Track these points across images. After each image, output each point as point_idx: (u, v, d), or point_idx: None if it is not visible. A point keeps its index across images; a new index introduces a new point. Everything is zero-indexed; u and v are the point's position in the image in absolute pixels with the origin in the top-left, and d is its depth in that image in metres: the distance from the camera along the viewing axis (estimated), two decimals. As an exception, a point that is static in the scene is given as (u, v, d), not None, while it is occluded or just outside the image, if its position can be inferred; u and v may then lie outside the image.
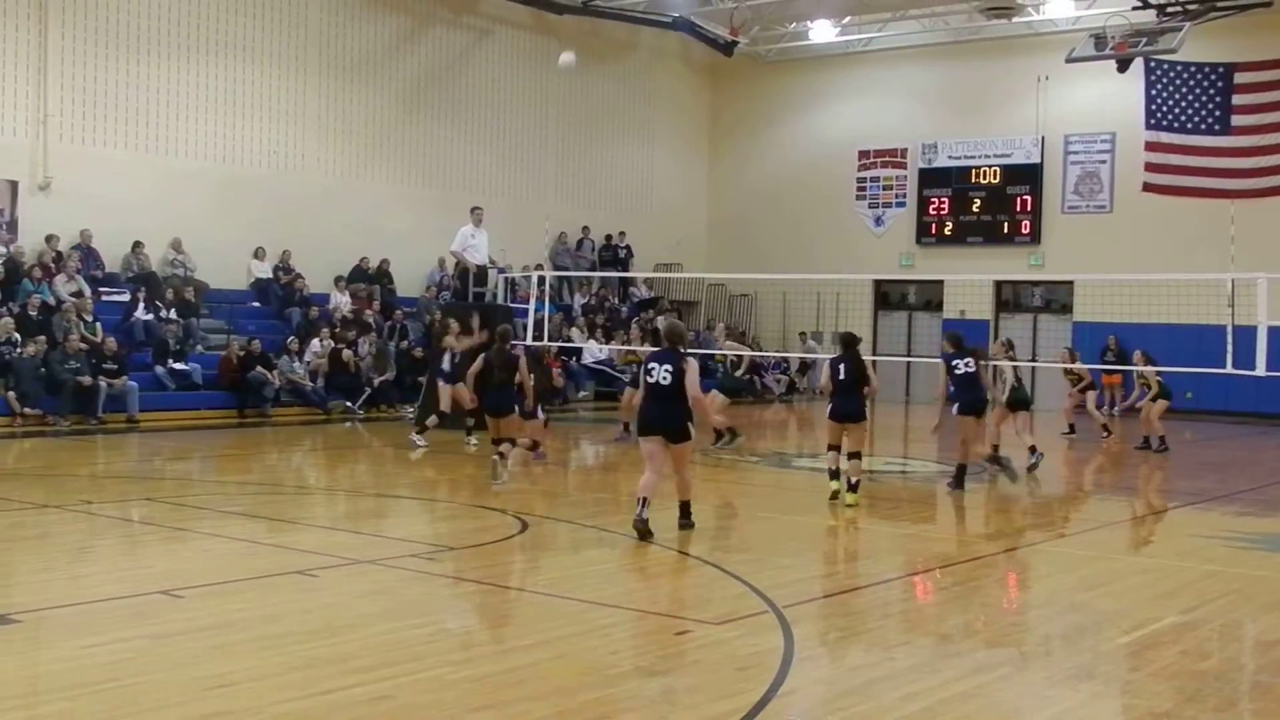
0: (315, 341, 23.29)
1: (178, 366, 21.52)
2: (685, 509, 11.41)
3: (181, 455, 17.42)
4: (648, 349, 17.89)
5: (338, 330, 23.87)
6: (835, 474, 13.73)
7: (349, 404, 22.86)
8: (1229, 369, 16.58)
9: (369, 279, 26.50)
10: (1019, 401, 17.23)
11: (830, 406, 13.94)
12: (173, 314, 22.46)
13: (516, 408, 14.67)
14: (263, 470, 16.56)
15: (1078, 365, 22.99)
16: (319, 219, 25.80)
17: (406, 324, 25.80)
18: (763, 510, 12.96)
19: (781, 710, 6.13)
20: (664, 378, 11.02)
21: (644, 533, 10.77)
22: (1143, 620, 8.41)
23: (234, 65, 24.85)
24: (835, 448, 13.87)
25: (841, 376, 13.72)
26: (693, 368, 11.10)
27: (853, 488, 13.50)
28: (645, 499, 10.84)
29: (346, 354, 23.11)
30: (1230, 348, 16.46)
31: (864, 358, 14.07)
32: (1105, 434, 22.21)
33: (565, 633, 7.52)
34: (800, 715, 6.17)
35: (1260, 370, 15.61)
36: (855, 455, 13.62)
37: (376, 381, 23.42)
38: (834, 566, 10.65)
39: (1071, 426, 23.14)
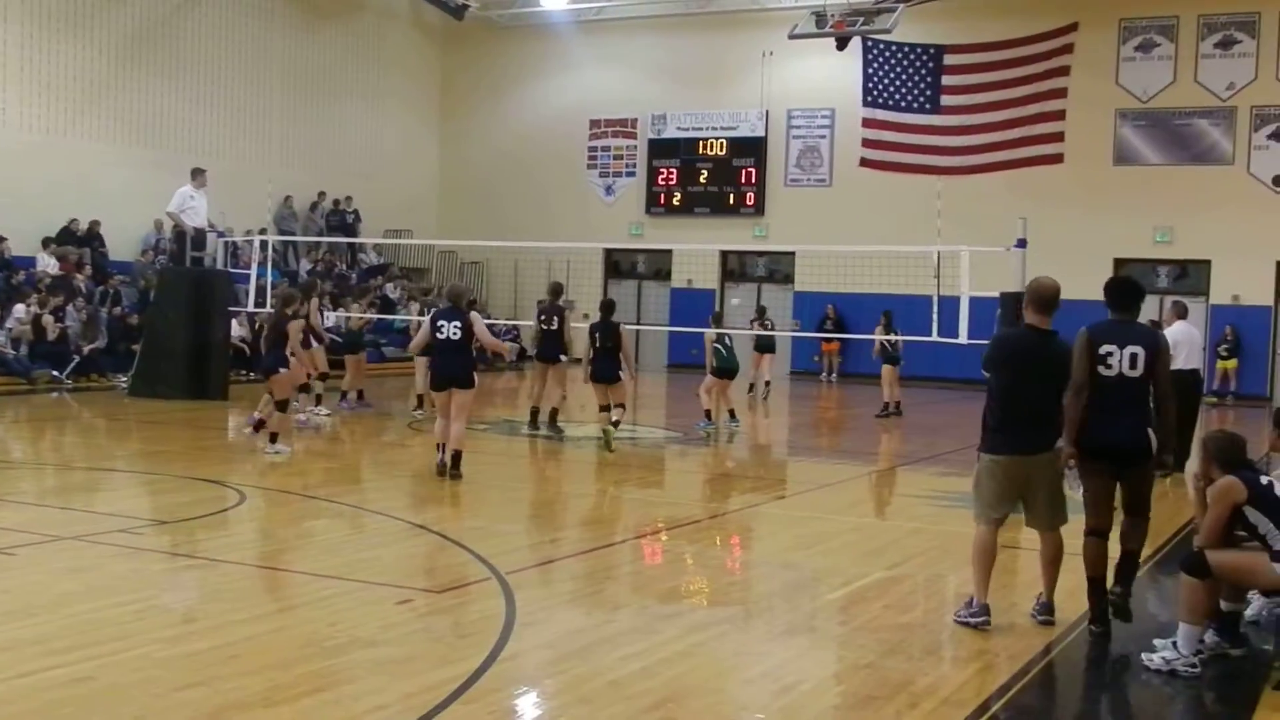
0: (19, 307, 21.95)
1: None
2: (456, 459, 12.44)
3: None
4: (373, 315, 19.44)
5: (43, 295, 22.54)
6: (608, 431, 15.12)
7: (55, 373, 21.66)
8: (935, 337, 17.43)
9: (79, 241, 25.13)
10: (725, 370, 17.80)
11: (590, 370, 15.47)
12: None
13: (282, 369, 14.31)
14: (-42, 444, 15.56)
15: (760, 331, 23.75)
16: (22, 177, 24.23)
17: (120, 289, 24.60)
18: (490, 478, 12.95)
19: (501, 675, 6.15)
20: (454, 333, 12.47)
21: (442, 472, 12.38)
22: (852, 576, 8.80)
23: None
24: (605, 408, 15.33)
25: (598, 343, 15.43)
26: (479, 320, 12.73)
27: (614, 424, 15.16)
28: (443, 444, 12.52)
29: (47, 319, 21.86)
30: (936, 317, 17.31)
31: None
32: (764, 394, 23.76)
33: (283, 606, 7.37)
34: (518, 681, 6.21)
35: (963, 338, 16.47)
36: (619, 405, 15.43)
37: (86, 349, 22.27)
38: (559, 532, 10.72)
39: (751, 386, 24.06)
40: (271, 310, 15.80)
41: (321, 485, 12.47)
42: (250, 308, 22.27)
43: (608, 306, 16.05)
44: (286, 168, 29.75)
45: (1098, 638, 7.25)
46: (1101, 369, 7.14)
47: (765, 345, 23.76)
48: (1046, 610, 7.47)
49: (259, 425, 14.25)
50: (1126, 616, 7.31)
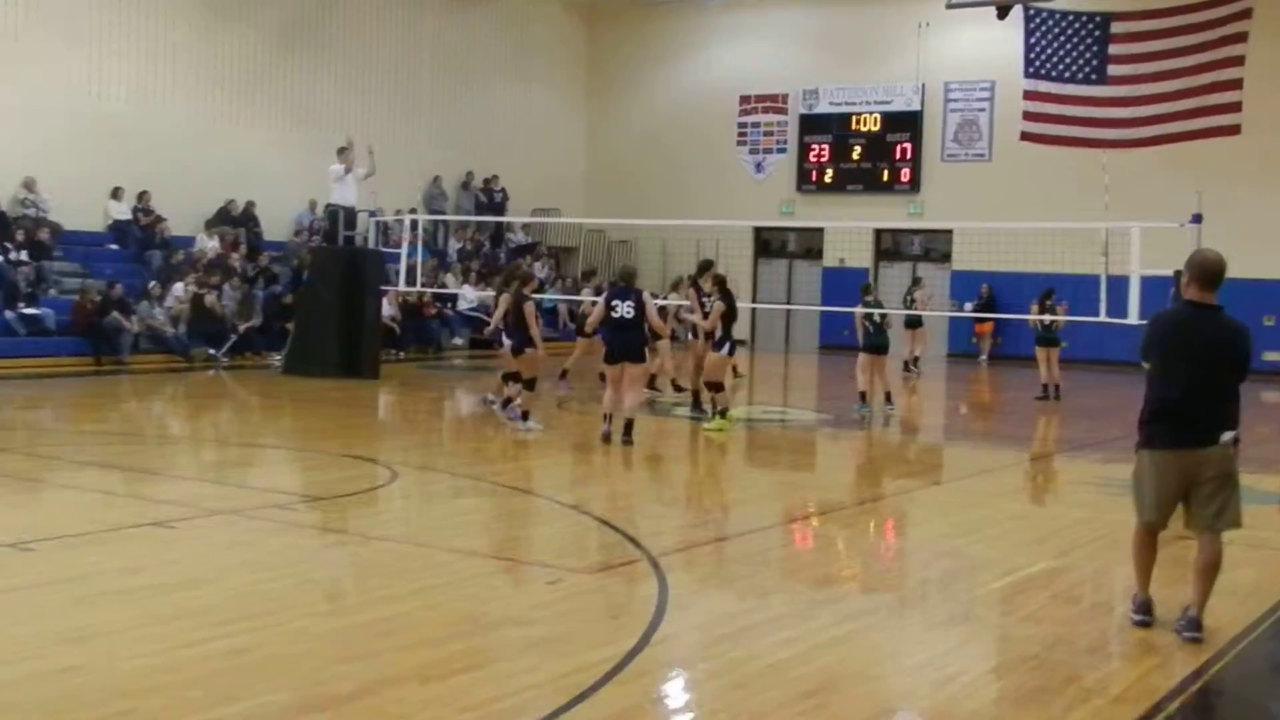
0: (178, 286, 22.70)
1: (29, 311, 20.80)
2: (629, 427, 13.32)
3: (33, 404, 16.91)
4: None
5: (201, 275, 23.27)
6: None
7: (212, 351, 22.37)
8: (1103, 317, 16.98)
9: (234, 222, 25.88)
10: (872, 346, 17.46)
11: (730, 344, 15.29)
12: (23, 256, 21.69)
13: (524, 348, 14.56)
14: (120, 419, 16.15)
15: (904, 311, 23.58)
16: (182, 159, 24.99)
17: (274, 268, 25.27)
18: (639, 458, 13.00)
19: (655, 657, 6.15)
20: (627, 312, 13.43)
21: (607, 440, 13.24)
22: (1013, 566, 8.60)
23: (89, -5, 23.94)
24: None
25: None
26: (649, 300, 13.72)
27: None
28: (609, 415, 13.46)
29: (209, 299, 22.57)
30: (1104, 296, 16.85)
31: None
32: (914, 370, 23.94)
33: (435, 583, 7.47)
34: (672, 663, 6.21)
35: (1133, 319, 15.99)
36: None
37: (242, 328, 22.93)
38: (710, 514, 10.72)
39: (905, 364, 24.09)
40: (501, 291, 15.83)
41: (471, 464, 12.63)
42: (400, 286, 22.69)
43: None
44: (435, 148, 30.20)
45: None
46: None
47: (911, 320, 23.53)
48: (1194, 626, 6.74)
49: (525, 415, 14.43)
50: None
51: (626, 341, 13.56)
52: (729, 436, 14.73)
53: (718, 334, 14.98)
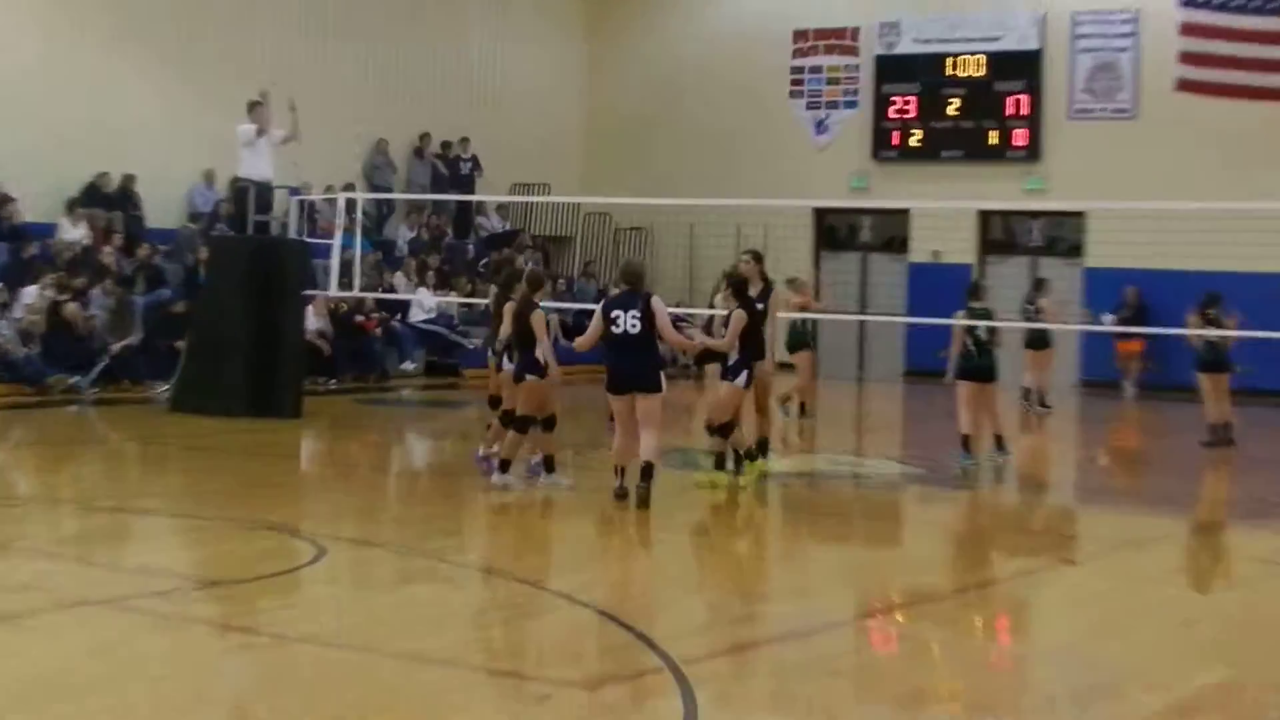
0: (30, 290, 22.66)
1: None
2: (648, 472, 13.22)
3: None
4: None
5: (62, 275, 23.23)
6: None
7: (75, 379, 22.32)
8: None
9: (108, 202, 25.87)
10: (972, 370, 17.19)
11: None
12: None
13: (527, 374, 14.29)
14: (-50, 473, 16.18)
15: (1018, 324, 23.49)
16: (37, 119, 25.02)
17: (160, 264, 25.25)
18: (658, 526, 12.93)
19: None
20: (632, 325, 13.24)
21: (622, 497, 13.28)
22: (1174, 678, 8.56)
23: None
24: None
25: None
26: (660, 307, 13.47)
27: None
28: (623, 469, 13.42)
29: (71, 308, 22.52)
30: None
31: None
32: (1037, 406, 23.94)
33: (376, 700, 7.45)
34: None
35: (1335, 334, 15.92)
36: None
37: (116, 348, 22.88)
38: (756, 606, 10.66)
39: (1025, 393, 23.99)
40: (495, 296, 15.58)
41: (427, 537, 12.59)
42: (332, 290, 22.68)
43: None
44: (380, 102, 30.23)
45: None
46: None
47: (1035, 338, 23.40)
48: None
49: (505, 465, 14.34)
50: None
51: (634, 365, 13.44)
52: (753, 490, 14.73)
53: (732, 358, 14.68)
